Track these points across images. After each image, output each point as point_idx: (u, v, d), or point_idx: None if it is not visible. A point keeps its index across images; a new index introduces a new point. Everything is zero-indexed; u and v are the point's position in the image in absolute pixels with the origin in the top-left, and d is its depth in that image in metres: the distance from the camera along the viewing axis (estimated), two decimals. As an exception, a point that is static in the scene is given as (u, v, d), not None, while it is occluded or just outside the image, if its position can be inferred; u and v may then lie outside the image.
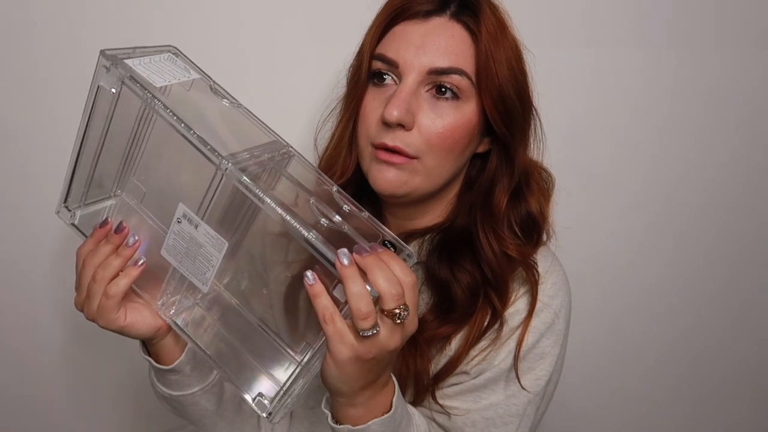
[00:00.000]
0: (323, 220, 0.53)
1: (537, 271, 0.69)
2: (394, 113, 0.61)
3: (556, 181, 0.77)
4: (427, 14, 0.64)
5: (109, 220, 0.61)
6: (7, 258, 1.01)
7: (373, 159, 0.66)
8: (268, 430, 0.80)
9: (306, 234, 0.50)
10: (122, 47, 0.57)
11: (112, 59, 0.54)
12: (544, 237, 0.74)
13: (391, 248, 0.56)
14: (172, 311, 0.64)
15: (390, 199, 0.70)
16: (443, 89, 0.64)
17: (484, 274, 0.68)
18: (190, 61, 0.62)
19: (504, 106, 0.65)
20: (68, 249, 0.95)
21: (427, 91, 0.64)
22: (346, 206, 0.57)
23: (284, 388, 0.58)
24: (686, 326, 1.27)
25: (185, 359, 0.66)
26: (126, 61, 0.55)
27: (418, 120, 0.64)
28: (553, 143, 0.76)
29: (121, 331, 0.62)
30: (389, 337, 0.50)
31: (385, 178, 0.65)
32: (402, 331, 0.51)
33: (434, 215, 0.74)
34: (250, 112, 0.60)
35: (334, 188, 0.58)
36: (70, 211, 0.64)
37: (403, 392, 0.70)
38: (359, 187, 0.72)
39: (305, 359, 0.57)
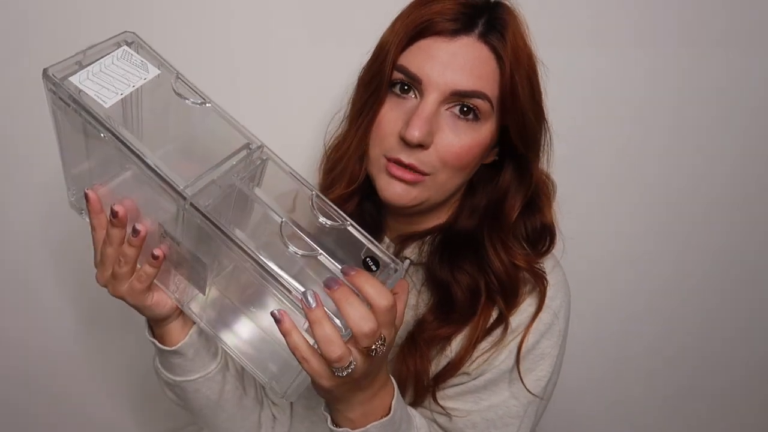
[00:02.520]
0: (291, 248, 0.50)
1: (546, 280, 0.68)
2: (416, 134, 0.60)
3: (557, 187, 0.75)
4: (455, 32, 0.62)
5: (101, 207, 0.57)
6: (12, 254, 1.01)
7: (384, 171, 0.65)
8: (269, 429, 0.81)
9: (271, 274, 0.47)
10: (70, 56, 0.52)
11: (53, 82, 0.49)
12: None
13: (372, 264, 0.52)
14: (186, 298, 0.66)
15: (397, 210, 0.70)
16: (466, 109, 0.63)
17: (487, 277, 0.68)
18: (149, 49, 0.55)
19: (525, 127, 0.65)
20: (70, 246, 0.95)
21: (447, 109, 0.63)
22: (323, 219, 0.53)
23: (300, 370, 0.60)
24: (691, 330, 1.25)
25: (189, 341, 0.67)
26: (71, 78, 0.50)
27: (436, 139, 0.63)
28: (557, 146, 0.73)
29: (145, 309, 0.62)
30: (367, 360, 0.50)
31: (395, 192, 0.65)
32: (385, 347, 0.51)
33: (435, 218, 0.73)
34: (218, 107, 0.54)
35: (313, 194, 0.53)
36: (75, 207, 0.65)
37: (404, 393, 0.71)
38: (365, 191, 0.72)
39: None
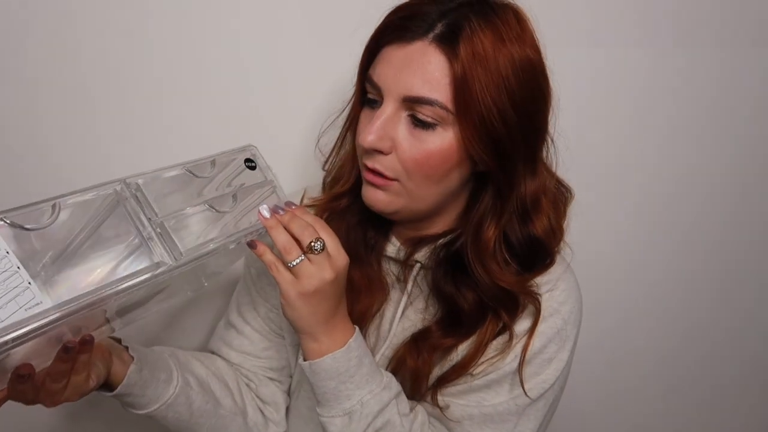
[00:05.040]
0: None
1: (538, 296, 0.68)
2: (367, 139, 0.62)
3: (574, 193, 0.73)
4: (411, 38, 0.60)
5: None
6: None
7: (364, 178, 0.67)
8: (262, 430, 0.83)
9: (228, 241, 0.60)
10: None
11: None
12: (558, 255, 0.72)
13: (249, 163, 0.66)
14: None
15: (383, 216, 0.70)
16: (417, 120, 0.61)
17: (485, 292, 0.68)
18: None
19: (488, 134, 0.60)
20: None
21: (407, 115, 0.62)
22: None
23: None
24: (690, 328, 1.25)
25: (128, 382, 0.64)
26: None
27: (396, 144, 0.63)
28: (558, 145, 0.73)
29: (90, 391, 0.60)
30: (320, 269, 0.60)
31: (372, 197, 0.67)
32: (330, 261, 0.61)
33: (443, 224, 0.73)
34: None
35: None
36: None
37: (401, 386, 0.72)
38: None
39: None
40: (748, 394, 1.36)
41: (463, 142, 0.62)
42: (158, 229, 0.54)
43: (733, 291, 1.25)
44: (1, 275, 0.43)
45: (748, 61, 1.03)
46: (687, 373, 1.31)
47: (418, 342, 0.71)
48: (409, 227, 0.74)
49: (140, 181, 0.55)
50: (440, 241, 0.71)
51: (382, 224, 0.75)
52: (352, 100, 0.70)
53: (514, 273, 0.68)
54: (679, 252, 1.18)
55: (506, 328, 0.68)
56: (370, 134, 0.62)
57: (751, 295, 1.26)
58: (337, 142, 0.76)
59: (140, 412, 0.69)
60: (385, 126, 0.62)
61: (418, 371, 0.71)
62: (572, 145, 0.91)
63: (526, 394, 0.67)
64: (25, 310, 0.43)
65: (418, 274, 0.74)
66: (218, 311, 1.01)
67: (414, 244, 0.73)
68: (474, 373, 0.69)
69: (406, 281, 0.74)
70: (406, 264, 0.73)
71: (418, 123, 0.62)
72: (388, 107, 0.62)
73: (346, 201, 0.74)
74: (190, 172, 0.61)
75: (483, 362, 0.69)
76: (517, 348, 0.68)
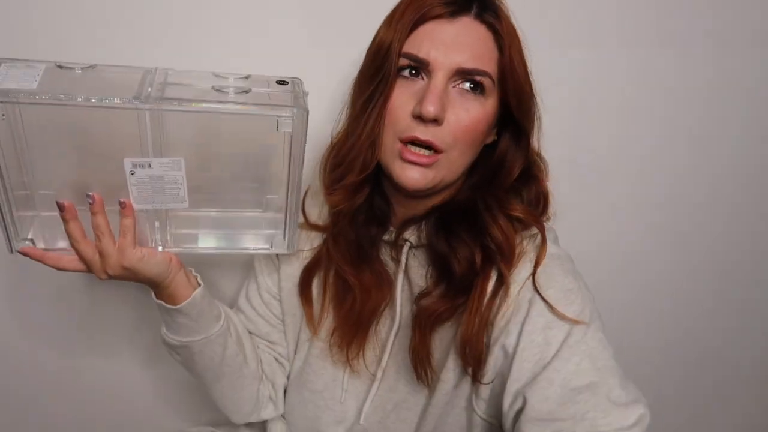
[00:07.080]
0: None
1: (542, 223, 0.71)
2: (431, 109, 0.64)
3: (548, 165, 0.77)
4: (453, 14, 0.66)
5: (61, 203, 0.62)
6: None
7: (398, 157, 0.67)
8: (266, 405, 0.87)
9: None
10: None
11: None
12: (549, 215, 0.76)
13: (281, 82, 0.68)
14: (164, 247, 0.71)
15: (412, 194, 0.71)
16: (473, 84, 0.67)
17: (484, 243, 0.69)
18: (21, 59, 0.64)
19: (522, 99, 0.69)
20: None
21: (453, 87, 0.67)
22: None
23: (285, 225, 0.72)
24: (690, 327, 1.25)
25: (192, 301, 0.71)
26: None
27: (447, 115, 0.66)
28: (550, 141, 0.76)
29: (142, 270, 0.67)
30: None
31: (411, 176, 0.67)
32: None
33: (437, 199, 0.75)
34: (105, 66, 0.64)
35: None
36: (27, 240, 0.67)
37: (418, 371, 0.75)
38: (373, 183, 0.74)
39: (289, 201, 0.70)
40: (750, 390, 1.35)
41: (500, 107, 0.69)
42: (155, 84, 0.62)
43: (732, 288, 1.24)
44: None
45: (740, 60, 1.05)
46: (688, 370, 1.28)
47: (419, 317, 0.73)
48: (408, 206, 0.75)
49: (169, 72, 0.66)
50: (424, 220, 0.74)
51: (385, 217, 0.76)
52: (382, 77, 0.67)
53: (524, 207, 0.72)
54: (678, 248, 1.18)
55: (501, 282, 0.68)
56: (431, 104, 0.64)
57: (753, 291, 1.25)
58: (366, 119, 0.69)
59: (184, 339, 0.75)
60: (441, 96, 0.65)
61: (417, 348, 0.73)
62: (565, 141, 0.94)
63: (581, 321, 0.65)
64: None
65: (409, 251, 0.76)
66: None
67: (402, 224, 0.75)
68: (505, 344, 0.67)
69: (398, 259, 0.76)
70: (396, 244, 0.76)
71: (472, 90, 0.67)
72: (441, 78, 0.65)
73: (367, 191, 0.73)
74: (217, 75, 0.66)
75: (497, 321, 0.68)
76: (539, 305, 0.67)
